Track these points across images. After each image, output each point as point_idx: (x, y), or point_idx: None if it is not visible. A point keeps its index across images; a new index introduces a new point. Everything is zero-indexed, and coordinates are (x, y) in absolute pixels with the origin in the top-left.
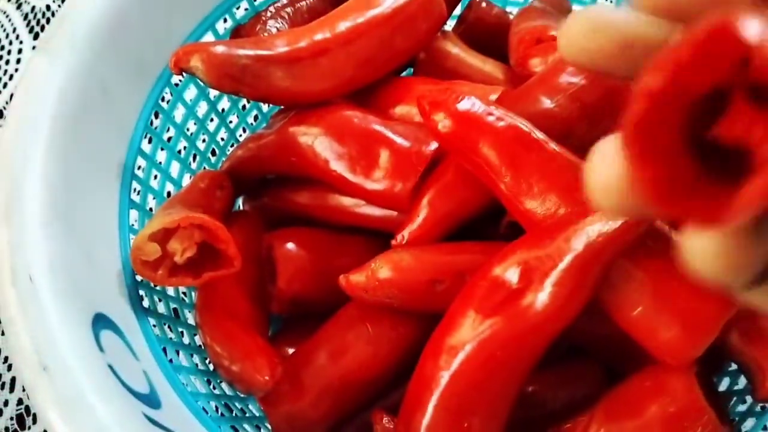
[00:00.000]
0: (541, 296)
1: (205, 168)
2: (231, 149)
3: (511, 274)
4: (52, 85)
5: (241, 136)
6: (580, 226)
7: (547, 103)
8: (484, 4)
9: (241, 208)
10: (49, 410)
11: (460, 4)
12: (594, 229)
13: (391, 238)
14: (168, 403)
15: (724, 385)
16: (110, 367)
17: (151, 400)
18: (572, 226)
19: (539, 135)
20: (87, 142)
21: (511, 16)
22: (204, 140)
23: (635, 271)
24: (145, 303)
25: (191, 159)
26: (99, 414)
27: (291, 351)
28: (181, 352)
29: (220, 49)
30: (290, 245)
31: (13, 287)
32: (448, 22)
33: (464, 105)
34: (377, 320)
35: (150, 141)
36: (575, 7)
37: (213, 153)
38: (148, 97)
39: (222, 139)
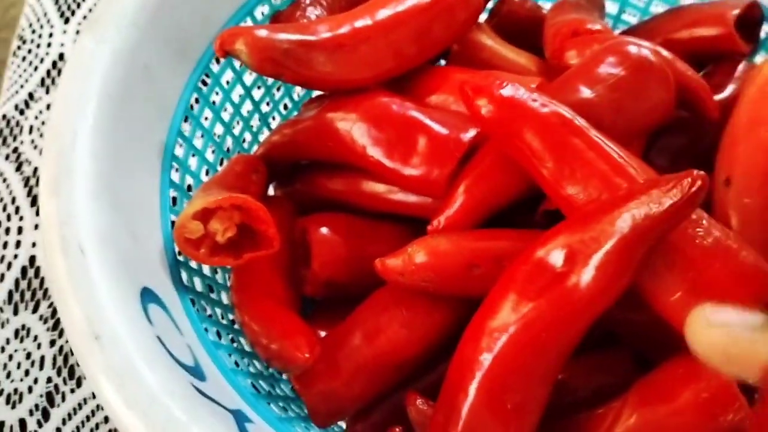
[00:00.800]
0: (585, 278)
1: (239, 153)
2: (263, 136)
3: (555, 257)
4: (99, 65)
5: (273, 123)
6: (624, 209)
7: (586, 92)
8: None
9: (272, 194)
10: (100, 379)
11: None
12: (639, 212)
13: (425, 225)
14: (211, 377)
15: None
16: (159, 338)
17: (197, 372)
18: (616, 210)
19: (582, 122)
20: (131, 120)
21: (544, 11)
22: (238, 125)
23: (676, 256)
24: (185, 280)
25: (226, 144)
26: (149, 382)
27: (323, 334)
28: (216, 329)
29: (263, 33)
30: (325, 229)
31: (64, 257)
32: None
33: (508, 91)
34: (412, 304)
35: (189, 123)
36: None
37: (245, 139)
38: (189, 80)
39: (255, 125)
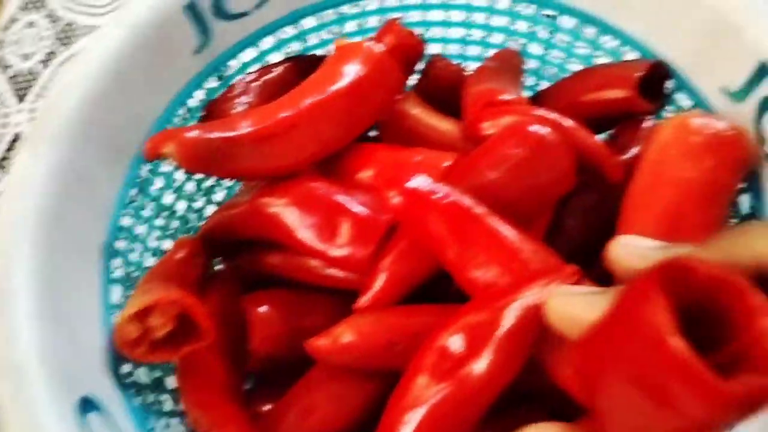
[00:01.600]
0: (483, 362)
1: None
2: (208, 211)
3: (456, 342)
4: (34, 182)
5: (217, 196)
6: (516, 296)
7: (490, 175)
8: (442, 62)
9: (220, 265)
10: None
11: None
12: (528, 298)
13: (356, 296)
14: None
15: None
16: None
17: None
18: (510, 296)
19: (481, 210)
20: (69, 230)
21: (468, 72)
22: (182, 205)
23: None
24: (128, 376)
25: (171, 226)
26: None
27: (267, 407)
28: (166, 422)
29: (190, 134)
30: (262, 308)
31: (7, 381)
32: (414, 76)
33: (414, 183)
34: (342, 380)
35: (129, 216)
36: (528, 61)
37: (189, 220)
38: (126, 177)
39: (199, 203)
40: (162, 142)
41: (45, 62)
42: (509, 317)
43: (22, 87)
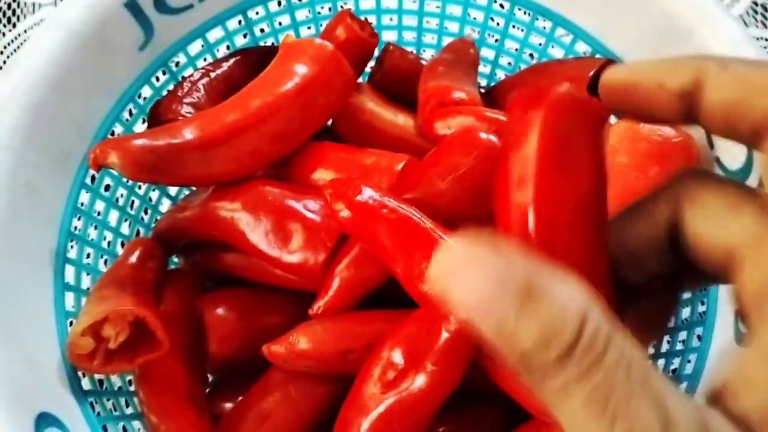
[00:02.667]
0: (422, 374)
1: (138, 231)
2: (164, 206)
3: (399, 353)
4: None
5: (173, 190)
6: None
7: (439, 184)
8: (397, 52)
9: (177, 262)
10: None
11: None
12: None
13: (312, 295)
14: None
15: None
16: None
17: None
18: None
19: (427, 224)
20: (18, 243)
21: (424, 62)
22: (134, 204)
23: None
24: (86, 385)
25: (122, 227)
26: None
27: (228, 405)
28: (124, 425)
29: (135, 143)
30: (219, 310)
31: None
32: (367, 67)
33: (363, 196)
34: (298, 383)
35: (80, 219)
36: (483, 52)
37: (145, 212)
38: (73, 183)
39: (153, 198)
40: (106, 152)
41: None
42: (446, 330)
43: None
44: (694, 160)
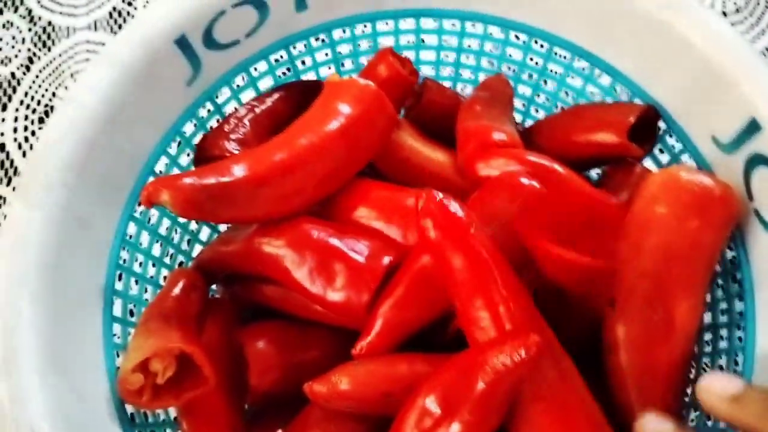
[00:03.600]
0: (457, 424)
1: (181, 262)
2: (204, 235)
3: (434, 403)
4: (32, 234)
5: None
6: (483, 362)
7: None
8: (435, 87)
9: (215, 289)
10: None
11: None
12: (497, 362)
13: (349, 331)
14: None
15: None
16: None
17: None
18: (482, 356)
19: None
20: (69, 278)
21: (463, 98)
22: (177, 233)
23: (537, 396)
24: (136, 418)
25: (167, 255)
26: None
27: None
28: None
29: (185, 181)
30: (260, 343)
31: None
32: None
33: (452, 223)
34: (338, 422)
35: (126, 251)
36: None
37: (188, 242)
38: (122, 216)
39: (194, 227)
40: (158, 190)
41: (27, 67)
42: (482, 379)
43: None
44: (734, 211)
